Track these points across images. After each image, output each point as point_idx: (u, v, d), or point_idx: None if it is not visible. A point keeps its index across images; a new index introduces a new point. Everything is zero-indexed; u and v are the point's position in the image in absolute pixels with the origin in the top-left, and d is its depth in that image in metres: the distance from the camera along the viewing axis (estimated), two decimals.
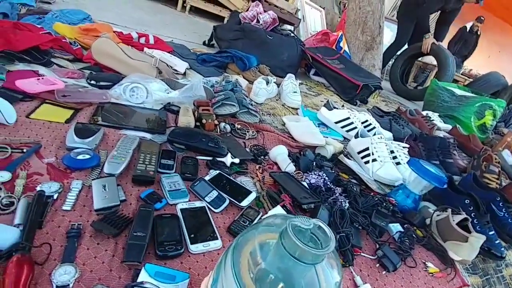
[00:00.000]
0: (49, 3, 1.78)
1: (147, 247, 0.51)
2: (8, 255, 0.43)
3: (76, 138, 0.69)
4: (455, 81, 4.76)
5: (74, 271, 0.45)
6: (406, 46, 3.25)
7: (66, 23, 1.39)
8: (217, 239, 0.58)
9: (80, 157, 0.64)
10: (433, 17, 3.22)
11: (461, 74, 5.00)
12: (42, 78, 0.92)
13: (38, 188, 0.56)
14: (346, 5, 3.17)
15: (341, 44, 2.68)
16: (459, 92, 2.20)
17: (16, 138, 0.68)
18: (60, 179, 0.60)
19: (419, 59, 3.92)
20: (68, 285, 0.44)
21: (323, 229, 0.34)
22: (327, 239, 0.34)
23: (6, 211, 0.51)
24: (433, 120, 1.79)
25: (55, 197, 0.56)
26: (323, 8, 4.35)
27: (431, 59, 3.64)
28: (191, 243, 0.55)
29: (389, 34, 3.92)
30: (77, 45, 1.23)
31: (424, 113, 1.92)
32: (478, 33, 4.52)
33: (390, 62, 3.36)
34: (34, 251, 0.46)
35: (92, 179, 0.61)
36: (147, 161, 0.70)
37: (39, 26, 1.23)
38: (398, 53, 3.28)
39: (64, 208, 0.54)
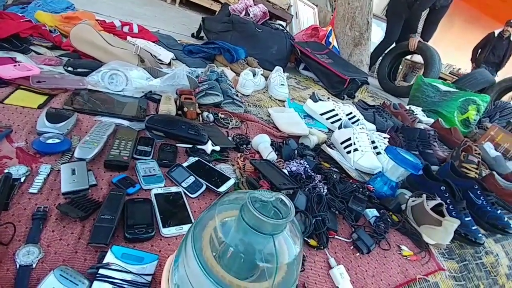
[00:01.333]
0: None
1: (115, 230, 0.50)
2: None
3: (47, 123, 0.67)
4: (443, 79, 4.83)
5: (37, 252, 0.44)
6: (394, 45, 3.28)
7: (49, 12, 1.35)
8: (191, 222, 0.58)
9: (50, 141, 0.62)
10: (422, 16, 3.24)
11: (449, 73, 5.06)
12: (19, 65, 0.89)
13: (5, 171, 0.54)
14: (336, 1, 3.18)
15: (330, 39, 2.69)
16: (443, 87, 2.24)
17: None
18: (28, 163, 0.59)
19: (408, 57, 3.97)
20: (32, 265, 0.43)
21: (284, 201, 0.34)
22: (288, 211, 0.34)
23: None
24: (416, 114, 1.82)
25: (22, 180, 0.54)
26: (316, 6, 4.35)
27: (420, 58, 3.68)
28: (163, 227, 0.54)
29: (379, 32, 3.96)
30: (57, 33, 1.20)
31: (408, 107, 1.94)
32: (511, 38, 3.99)
33: (379, 60, 3.39)
34: None
35: (62, 163, 0.59)
36: (122, 146, 0.68)
37: (20, 14, 1.20)
38: (387, 51, 3.31)
39: (30, 191, 0.53)
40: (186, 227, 0.56)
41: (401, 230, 0.79)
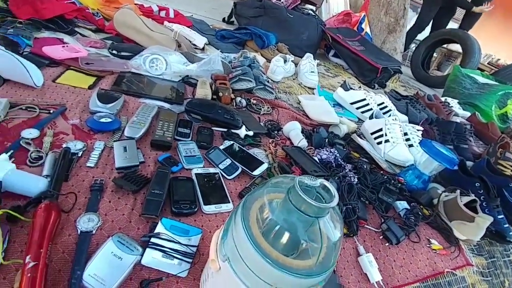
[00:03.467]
0: None
1: (163, 203, 0.54)
2: (38, 202, 0.48)
3: (99, 103, 0.73)
4: (481, 70, 4.49)
5: (97, 219, 0.50)
6: (427, 30, 3.09)
7: None
8: (228, 202, 0.62)
9: (102, 120, 0.68)
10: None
11: (487, 63, 4.70)
12: (67, 46, 0.96)
13: (64, 146, 0.61)
14: None
15: (363, 26, 2.59)
16: (482, 79, 2.10)
17: (43, 100, 0.72)
18: (84, 139, 0.65)
19: (444, 46, 3.71)
20: (92, 231, 0.48)
21: (328, 188, 0.36)
22: (331, 197, 0.36)
23: (35, 164, 0.56)
24: (451, 106, 1.73)
25: (79, 154, 0.60)
26: None
27: (457, 47, 3.44)
28: (204, 204, 0.59)
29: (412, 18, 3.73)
30: (100, 16, 1.25)
31: (443, 99, 1.85)
32: None
33: (412, 47, 3.22)
34: (60, 200, 0.51)
35: (114, 141, 0.65)
36: (165, 128, 0.73)
37: None
38: (421, 38, 3.13)
39: (88, 164, 0.59)
40: (224, 206, 0.60)
41: (432, 224, 0.79)
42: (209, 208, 0.58)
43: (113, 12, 1.23)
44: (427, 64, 3.25)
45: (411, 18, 3.03)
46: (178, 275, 0.46)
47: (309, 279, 0.35)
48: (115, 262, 0.43)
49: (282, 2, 2.26)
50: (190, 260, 0.48)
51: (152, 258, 0.46)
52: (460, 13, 3.19)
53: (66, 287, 0.40)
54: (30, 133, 0.61)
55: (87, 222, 0.49)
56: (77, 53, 0.92)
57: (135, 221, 0.52)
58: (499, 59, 4.91)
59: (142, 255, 0.46)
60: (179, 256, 0.47)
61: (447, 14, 3.03)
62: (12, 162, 0.53)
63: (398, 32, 2.58)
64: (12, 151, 0.56)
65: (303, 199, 0.33)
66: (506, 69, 3.00)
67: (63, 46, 0.94)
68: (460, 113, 1.73)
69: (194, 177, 0.64)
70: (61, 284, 0.41)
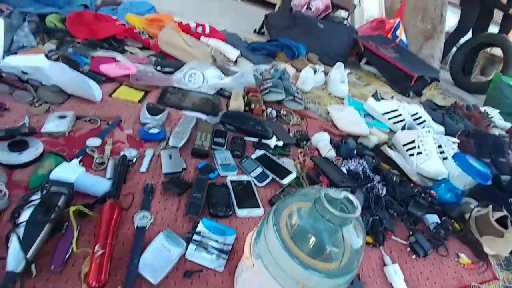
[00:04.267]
0: None
1: (203, 206, 0.62)
2: (103, 200, 0.57)
3: (148, 115, 0.83)
4: None
5: (150, 217, 0.58)
6: (469, 34, 2.92)
7: (135, 13, 1.57)
8: (259, 207, 0.67)
9: (151, 131, 0.78)
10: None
11: None
12: (119, 64, 1.09)
13: (122, 153, 0.71)
14: None
15: (398, 33, 2.53)
16: None
17: (103, 112, 0.84)
18: (136, 147, 0.75)
19: (487, 50, 3.48)
20: (145, 226, 0.56)
21: (351, 200, 0.41)
22: (354, 209, 0.40)
23: (99, 168, 0.66)
24: (491, 117, 1.64)
25: (134, 161, 0.70)
26: None
27: (500, 51, 3.22)
28: (238, 208, 0.65)
29: (453, 19, 3.54)
30: (145, 34, 1.40)
31: (483, 109, 1.76)
32: None
33: (453, 52, 3.06)
34: (121, 199, 0.61)
35: (161, 149, 0.74)
36: (203, 138, 0.81)
37: (114, 17, 1.43)
38: (461, 41, 2.97)
39: (141, 170, 0.68)
40: (256, 210, 0.66)
41: (462, 240, 0.78)
42: (242, 212, 0.65)
43: (157, 30, 1.37)
44: (468, 69, 3.07)
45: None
46: (215, 269, 0.53)
47: (332, 280, 0.40)
48: (165, 253, 0.51)
49: (313, 12, 2.31)
50: (226, 256, 0.54)
51: (194, 252, 0.53)
52: (499, 15, 2.98)
53: (125, 273, 0.48)
54: (94, 142, 0.72)
55: (142, 219, 0.58)
56: (128, 70, 1.05)
57: (180, 219, 0.60)
58: None
59: (186, 249, 0.53)
60: (217, 252, 0.54)
61: (486, 18, 2.86)
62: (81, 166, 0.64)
63: (436, 39, 2.49)
64: (80, 157, 0.67)
65: (328, 210, 0.38)
66: None
67: (116, 64, 1.08)
68: (500, 124, 1.63)
69: (229, 184, 0.71)
70: (121, 270, 0.49)
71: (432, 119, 1.39)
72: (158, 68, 1.15)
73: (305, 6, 2.46)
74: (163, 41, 1.26)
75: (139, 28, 1.44)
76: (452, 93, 2.65)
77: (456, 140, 1.12)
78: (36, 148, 0.64)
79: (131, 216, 0.58)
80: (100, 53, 1.20)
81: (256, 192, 0.72)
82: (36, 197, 0.52)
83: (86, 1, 1.56)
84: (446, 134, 1.33)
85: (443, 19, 2.42)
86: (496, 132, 1.43)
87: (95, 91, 0.88)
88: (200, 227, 0.57)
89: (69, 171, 0.59)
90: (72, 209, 0.52)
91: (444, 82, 2.79)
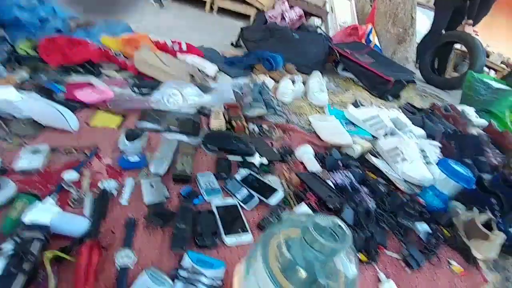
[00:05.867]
0: None
1: (189, 237, 0.59)
2: (81, 241, 0.54)
3: (126, 142, 0.80)
4: (494, 70, 4.34)
5: (132, 255, 0.55)
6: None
7: (110, 35, 1.54)
8: (248, 232, 0.66)
9: (131, 159, 0.75)
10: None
11: (501, 63, 4.55)
12: (95, 88, 1.05)
13: (100, 185, 0.67)
14: None
15: (371, 37, 2.62)
16: (495, 84, 2.06)
17: (80, 143, 0.80)
18: (116, 177, 0.71)
19: (457, 47, 3.66)
20: (128, 266, 0.53)
21: (341, 226, 0.40)
22: (345, 236, 0.39)
23: (76, 205, 0.63)
24: (468, 115, 1.71)
25: (113, 193, 0.67)
26: None
27: None
28: (226, 235, 0.63)
29: (425, 21, 3.70)
30: (122, 57, 1.36)
31: (460, 108, 1.83)
32: None
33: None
34: (100, 237, 0.57)
35: (142, 178, 0.71)
36: (185, 161, 0.79)
37: (88, 40, 1.39)
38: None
39: (121, 202, 0.65)
40: (244, 237, 0.65)
41: (452, 245, 0.79)
42: (230, 240, 0.63)
43: (133, 50, 1.34)
44: (442, 67, 3.20)
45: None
46: None
47: None
48: None
49: (288, 23, 2.35)
50: None
51: None
52: None
53: None
54: (70, 175, 0.68)
55: (124, 258, 0.54)
56: (105, 95, 1.02)
57: (165, 254, 0.57)
58: (509, 58, 4.75)
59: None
60: None
61: (459, 17, 3.01)
62: (56, 204, 0.60)
63: (408, 42, 2.59)
64: (56, 194, 0.63)
65: (317, 240, 0.37)
66: None
67: (91, 90, 1.04)
68: (477, 123, 1.70)
69: (214, 210, 0.69)
70: None
71: (413, 122, 1.43)
72: (136, 89, 1.12)
73: (280, 18, 2.50)
74: (139, 62, 1.24)
75: (115, 50, 1.41)
76: (429, 92, 2.75)
77: (439, 144, 1.14)
78: (7, 190, 0.60)
79: (112, 255, 0.55)
80: (74, 78, 1.15)
81: (243, 216, 0.70)
82: (8, 246, 0.48)
83: (59, 25, 1.52)
84: (427, 136, 1.36)
85: (413, 22, 2.52)
86: (475, 131, 1.49)
87: (70, 120, 0.84)
88: (186, 261, 0.54)
89: (44, 213, 0.55)
90: (47, 255, 0.49)
91: (421, 83, 2.89)
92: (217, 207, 0.70)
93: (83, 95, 0.97)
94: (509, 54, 4.78)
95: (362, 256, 0.68)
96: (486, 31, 3.18)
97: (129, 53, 1.38)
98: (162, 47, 1.51)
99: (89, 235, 0.55)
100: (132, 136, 0.83)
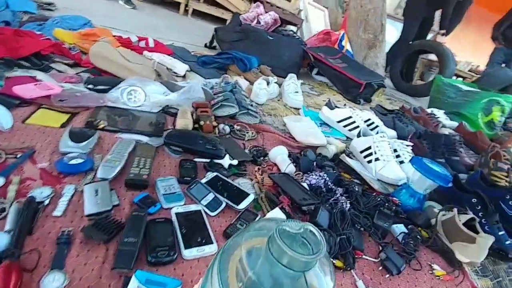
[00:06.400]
0: (51, 10, 1.80)
1: (138, 253, 0.49)
2: None
3: (70, 143, 0.68)
4: (462, 77, 4.63)
5: (63, 279, 0.44)
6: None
7: (67, 29, 1.40)
8: (212, 243, 0.56)
9: (73, 161, 0.63)
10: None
11: (468, 70, 4.87)
12: (40, 84, 0.92)
13: (29, 194, 0.55)
14: (348, 4, 3.14)
15: (343, 43, 2.66)
16: (465, 87, 2.15)
17: (11, 143, 0.67)
18: (52, 184, 0.59)
19: (424, 56, 3.86)
20: None
21: (314, 232, 0.32)
22: (318, 243, 0.32)
23: None
24: (438, 117, 1.75)
25: (46, 202, 0.55)
26: (326, 8, 4.33)
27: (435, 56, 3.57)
28: (185, 248, 0.53)
29: (393, 32, 3.86)
30: (77, 50, 1.23)
31: (429, 110, 1.87)
32: None
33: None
34: (23, 257, 0.46)
35: (85, 184, 0.60)
36: (142, 164, 0.68)
37: (38, 32, 1.25)
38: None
39: (54, 214, 0.53)
40: (207, 248, 0.55)
41: (432, 247, 0.75)
42: (190, 253, 0.53)
43: (91, 45, 1.22)
44: (409, 75, 3.33)
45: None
46: None
47: None
48: None
49: (263, 25, 2.31)
50: None
51: None
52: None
53: None
54: None
55: (52, 283, 0.43)
56: (50, 90, 0.89)
57: (106, 276, 0.46)
58: (478, 66, 5.09)
59: None
60: None
61: (427, 27, 3.15)
62: None
63: (378, 48, 2.66)
64: None
65: (285, 252, 0.29)
66: (487, 76, 3.08)
67: (35, 84, 0.91)
68: (447, 124, 1.74)
69: (173, 217, 0.59)
70: None
71: (384, 124, 1.42)
72: (90, 86, 0.99)
73: (255, 21, 2.46)
74: (96, 55, 1.11)
75: (70, 44, 1.27)
76: (398, 97, 2.84)
77: (410, 143, 1.13)
78: None
79: (37, 280, 0.43)
80: (18, 73, 1.01)
81: (208, 224, 0.61)
82: None
83: (7, 17, 1.36)
84: (398, 138, 1.36)
85: (383, 29, 2.60)
86: (446, 131, 1.51)
87: (2, 117, 0.71)
88: (133, 284, 0.44)
89: None
90: None
91: (389, 88, 2.99)
92: (177, 214, 0.60)
93: (22, 90, 0.83)
94: (477, 62, 5.10)
95: (338, 262, 0.61)
96: (455, 40, 3.36)
97: (86, 47, 1.25)
98: (125, 42, 1.39)
99: (7, 255, 0.44)
100: (78, 136, 0.72)
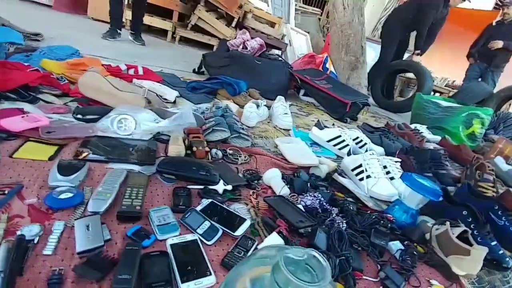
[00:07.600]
0: (38, 40, 1.81)
1: None
2: None
3: (59, 176, 0.66)
4: (440, 93, 4.86)
5: None
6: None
7: (54, 59, 1.40)
8: (210, 274, 0.55)
9: (62, 196, 0.61)
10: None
11: (445, 86, 5.13)
12: (27, 116, 0.91)
13: (18, 232, 0.53)
14: (329, 29, 3.31)
15: (327, 65, 2.77)
16: (444, 103, 2.26)
17: None
18: (41, 221, 0.57)
19: (402, 74, 4.08)
20: None
21: (318, 259, 0.32)
22: (323, 269, 0.32)
23: None
24: (422, 132, 1.81)
25: (35, 241, 0.52)
26: (308, 33, 4.55)
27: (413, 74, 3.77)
28: (182, 282, 0.51)
29: (372, 54, 4.08)
30: (65, 80, 1.23)
31: (413, 126, 1.94)
32: None
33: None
34: None
35: (75, 219, 0.58)
36: (134, 195, 0.67)
37: (26, 64, 1.24)
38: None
39: (45, 252, 0.51)
40: (205, 280, 0.53)
41: (429, 263, 0.75)
42: (187, 287, 0.51)
43: (80, 75, 1.22)
44: (389, 93, 3.49)
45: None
46: None
47: None
48: None
49: (249, 51, 2.39)
50: None
51: None
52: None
53: None
54: None
55: None
56: (38, 122, 0.87)
57: None
58: (454, 81, 5.37)
59: None
60: None
61: (402, 47, 3.35)
62: None
63: (360, 69, 2.79)
64: None
65: (291, 280, 0.29)
66: (464, 90, 3.25)
67: (22, 117, 0.89)
68: (431, 138, 1.80)
69: (169, 249, 0.57)
70: None
71: (372, 141, 1.46)
72: (79, 116, 0.98)
73: (241, 46, 2.55)
74: (85, 85, 1.11)
75: (57, 74, 1.27)
76: (381, 114, 2.94)
77: (398, 159, 1.16)
78: None
79: None
80: (4, 105, 0.99)
81: (205, 254, 0.59)
82: None
83: None
84: (386, 154, 1.40)
85: (364, 51, 2.74)
86: (431, 146, 1.56)
87: None
88: None
89: None
90: None
91: (373, 105, 3.10)
92: (172, 246, 0.58)
93: (9, 123, 0.82)
94: (452, 77, 5.38)
95: (339, 286, 0.60)
96: (430, 58, 3.57)
97: (74, 77, 1.25)
98: (114, 71, 1.41)
99: None
100: (67, 168, 0.70)
